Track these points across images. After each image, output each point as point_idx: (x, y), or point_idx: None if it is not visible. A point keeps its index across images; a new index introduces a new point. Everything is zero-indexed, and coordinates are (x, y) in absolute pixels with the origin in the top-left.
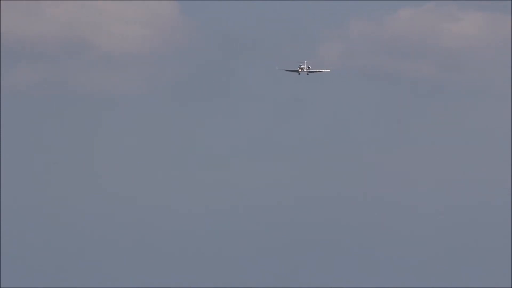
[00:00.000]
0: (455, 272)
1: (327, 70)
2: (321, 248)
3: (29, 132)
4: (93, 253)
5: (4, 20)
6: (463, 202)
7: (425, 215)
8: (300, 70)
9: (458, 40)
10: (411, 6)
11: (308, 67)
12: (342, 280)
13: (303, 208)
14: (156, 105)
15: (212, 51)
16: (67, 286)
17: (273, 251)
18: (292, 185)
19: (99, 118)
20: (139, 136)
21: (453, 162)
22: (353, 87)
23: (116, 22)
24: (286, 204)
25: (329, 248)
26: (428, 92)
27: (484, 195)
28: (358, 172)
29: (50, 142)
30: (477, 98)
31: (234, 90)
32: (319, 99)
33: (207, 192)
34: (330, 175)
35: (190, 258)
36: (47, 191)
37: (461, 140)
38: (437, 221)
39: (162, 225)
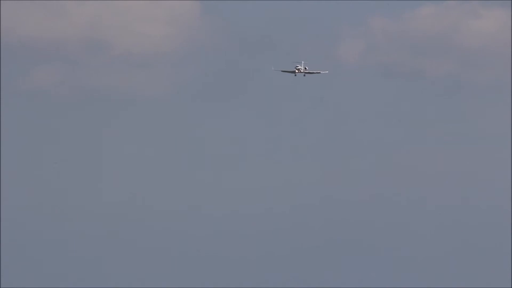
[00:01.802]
0: (455, 272)
1: (325, 72)
2: (328, 247)
3: (48, 133)
4: (93, 254)
5: (25, 20)
6: (465, 203)
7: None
8: (296, 71)
9: (479, 38)
10: (432, 3)
11: (305, 68)
12: (345, 280)
13: (318, 208)
14: (176, 105)
15: (232, 51)
16: (67, 286)
17: (278, 251)
18: (314, 185)
19: (118, 117)
20: (159, 135)
21: (473, 160)
22: (373, 85)
23: (137, 22)
24: (300, 205)
25: (335, 248)
26: (449, 90)
27: (486, 196)
28: (373, 172)
29: (66, 141)
30: (496, 97)
31: (253, 90)
32: (339, 98)
33: (218, 192)
34: (344, 174)
35: (194, 260)
36: (49, 192)
37: (479, 139)
38: (440, 222)
39: (166, 226)
